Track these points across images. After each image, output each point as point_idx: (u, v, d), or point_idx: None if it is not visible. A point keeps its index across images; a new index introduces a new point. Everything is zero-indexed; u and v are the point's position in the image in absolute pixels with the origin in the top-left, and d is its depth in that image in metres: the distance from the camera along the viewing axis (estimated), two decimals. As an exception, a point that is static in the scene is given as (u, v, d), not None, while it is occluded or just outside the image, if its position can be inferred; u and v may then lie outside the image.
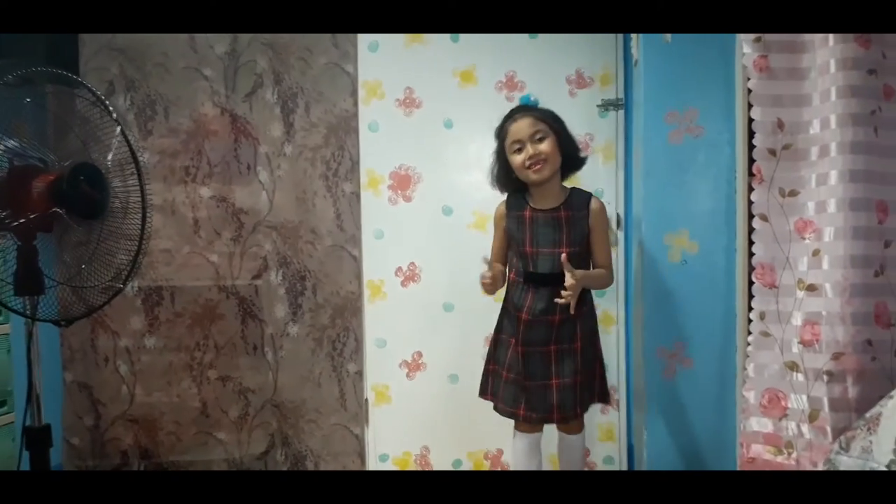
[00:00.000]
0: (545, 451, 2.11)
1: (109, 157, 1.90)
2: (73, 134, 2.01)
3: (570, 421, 2.00)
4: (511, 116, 1.92)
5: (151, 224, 2.02)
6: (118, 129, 1.89)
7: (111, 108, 1.90)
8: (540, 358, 1.94)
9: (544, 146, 1.86)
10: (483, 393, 2.07)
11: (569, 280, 1.81)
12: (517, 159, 1.88)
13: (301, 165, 2.55)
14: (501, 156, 1.95)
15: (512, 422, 2.06)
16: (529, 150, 1.86)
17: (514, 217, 1.98)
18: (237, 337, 2.58)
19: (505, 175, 1.96)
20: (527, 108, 1.92)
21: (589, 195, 1.97)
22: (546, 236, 1.92)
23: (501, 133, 1.94)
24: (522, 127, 1.87)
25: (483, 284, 1.92)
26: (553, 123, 1.90)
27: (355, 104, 2.56)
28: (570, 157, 1.95)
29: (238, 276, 2.56)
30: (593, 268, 1.98)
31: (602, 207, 1.96)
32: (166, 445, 2.56)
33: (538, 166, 1.86)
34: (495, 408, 2.02)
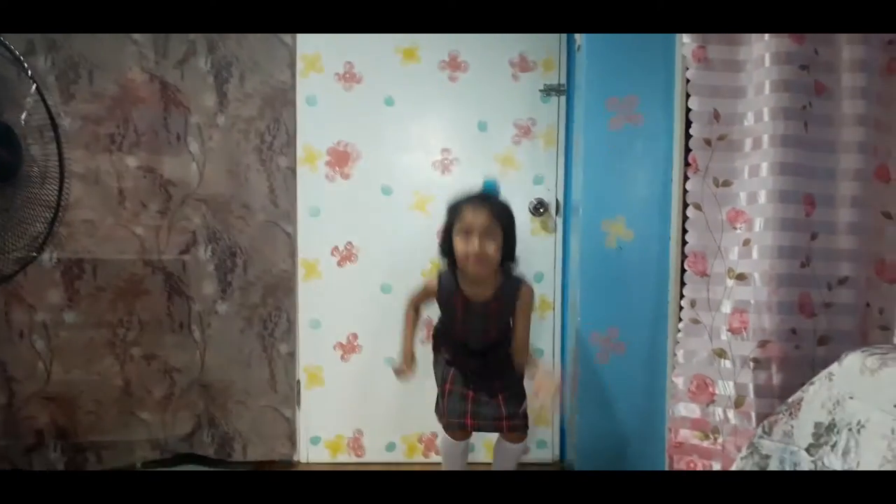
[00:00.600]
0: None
1: (23, 117, 1.78)
2: (-13, 94, 1.89)
3: (519, 430, 1.97)
4: (470, 202, 1.88)
5: (69, 192, 1.91)
6: (34, 87, 1.78)
7: (27, 67, 1.79)
8: (481, 378, 1.97)
9: (490, 247, 1.84)
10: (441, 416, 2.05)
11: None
12: (462, 246, 1.85)
13: (234, 137, 2.44)
14: (449, 231, 1.91)
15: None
16: (476, 245, 1.82)
17: (445, 297, 1.97)
18: (163, 314, 2.48)
19: (449, 249, 1.93)
20: (486, 201, 1.88)
21: (519, 282, 1.96)
22: (477, 323, 1.95)
23: (455, 212, 1.89)
24: (478, 220, 1.83)
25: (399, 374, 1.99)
26: (505, 223, 1.88)
27: (293, 76, 2.48)
28: (509, 255, 1.93)
29: (165, 251, 2.46)
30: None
31: (531, 293, 1.96)
32: (85, 425, 2.44)
33: (479, 264, 1.85)
34: (444, 424, 2.01)
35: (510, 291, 1.94)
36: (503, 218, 1.88)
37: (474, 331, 1.96)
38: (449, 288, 1.95)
